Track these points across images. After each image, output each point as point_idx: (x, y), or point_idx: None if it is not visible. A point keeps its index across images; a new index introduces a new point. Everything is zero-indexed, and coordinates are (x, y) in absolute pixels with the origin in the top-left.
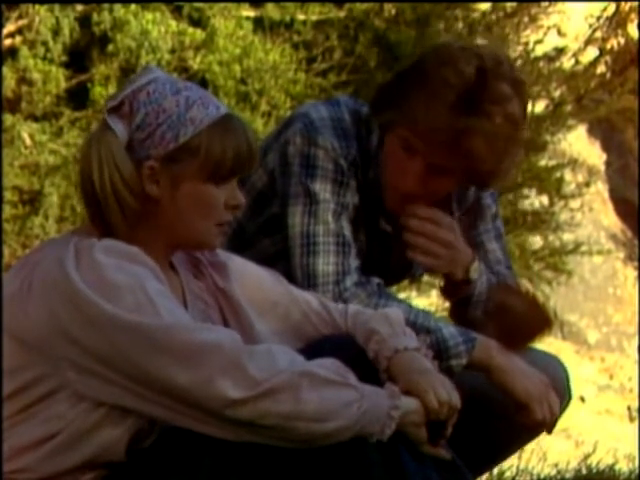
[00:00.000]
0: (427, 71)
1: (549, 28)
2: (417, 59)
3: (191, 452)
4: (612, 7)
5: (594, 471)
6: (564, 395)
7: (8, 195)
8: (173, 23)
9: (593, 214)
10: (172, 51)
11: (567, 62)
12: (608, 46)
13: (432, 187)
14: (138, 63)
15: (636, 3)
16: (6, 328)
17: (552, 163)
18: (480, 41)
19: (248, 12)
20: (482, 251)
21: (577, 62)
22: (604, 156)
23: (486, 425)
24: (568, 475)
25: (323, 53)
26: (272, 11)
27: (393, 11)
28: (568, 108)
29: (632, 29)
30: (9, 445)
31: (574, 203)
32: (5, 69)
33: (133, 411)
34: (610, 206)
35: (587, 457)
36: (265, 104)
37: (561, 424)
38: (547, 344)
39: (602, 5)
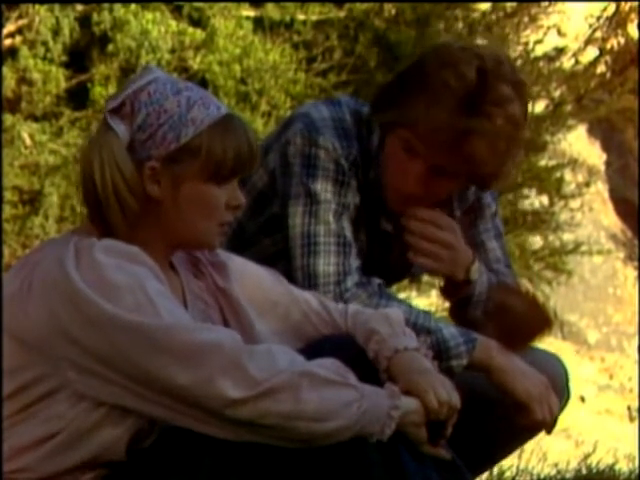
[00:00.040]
0: (428, 73)
1: (549, 28)
2: (417, 60)
3: (191, 452)
4: (612, 7)
5: (594, 471)
6: (563, 393)
7: (8, 195)
8: (173, 23)
9: (593, 214)
10: (172, 51)
11: (567, 62)
12: (608, 46)
13: (433, 188)
14: (138, 63)
15: (636, 3)
16: (6, 328)
17: (552, 163)
18: (480, 41)
19: (248, 12)
20: (482, 250)
21: (577, 62)
22: (604, 156)
23: (486, 425)
24: (568, 475)
25: (323, 53)
26: (272, 11)
27: (393, 11)
28: (568, 108)
29: (632, 29)
30: (9, 445)
31: (574, 203)
32: (5, 69)
33: (133, 411)
34: (610, 206)
35: (587, 457)
36: (265, 104)
37: (561, 424)
38: (547, 344)
39: (602, 5)
